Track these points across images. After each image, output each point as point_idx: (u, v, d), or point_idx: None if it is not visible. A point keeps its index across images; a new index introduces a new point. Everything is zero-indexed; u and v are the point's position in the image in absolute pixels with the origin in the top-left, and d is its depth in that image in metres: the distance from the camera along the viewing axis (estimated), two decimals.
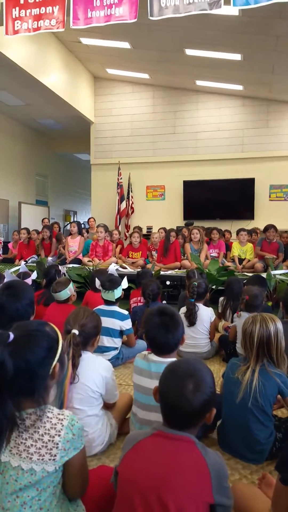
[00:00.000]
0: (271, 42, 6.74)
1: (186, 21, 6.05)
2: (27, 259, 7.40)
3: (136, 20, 4.61)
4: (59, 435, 1.27)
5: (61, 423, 1.30)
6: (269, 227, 6.68)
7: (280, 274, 5.70)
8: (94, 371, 2.05)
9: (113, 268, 4.55)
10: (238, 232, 7.09)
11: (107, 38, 7.88)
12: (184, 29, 6.81)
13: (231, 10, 5.82)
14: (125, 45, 7.99)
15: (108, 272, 4.26)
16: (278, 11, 5.73)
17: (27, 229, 8.01)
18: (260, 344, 2.09)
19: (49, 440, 1.26)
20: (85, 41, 8.34)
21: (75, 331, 2.03)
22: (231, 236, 8.61)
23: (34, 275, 4.48)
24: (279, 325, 2.15)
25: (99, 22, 4.77)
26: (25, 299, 2.23)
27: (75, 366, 1.97)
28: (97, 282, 3.79)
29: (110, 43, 8.06)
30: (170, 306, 2.13)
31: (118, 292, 3.52)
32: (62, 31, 4.82)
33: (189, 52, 7.73)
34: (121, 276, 3.87)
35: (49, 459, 1.26)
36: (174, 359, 1.92)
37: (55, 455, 1.26)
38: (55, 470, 1.27)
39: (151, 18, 4.55)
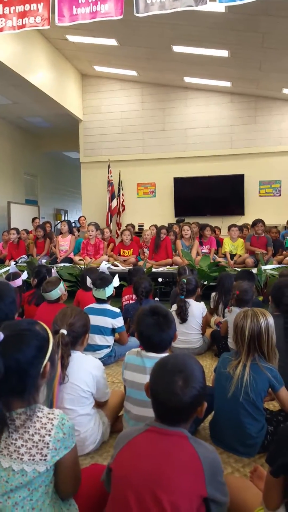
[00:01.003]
0: (257, 38, 6.75)
1: (173, 17, 6.06)
2: (17, 259, 7.36)
3: (122, 17, 4.58)
4: (49, 435, 1.27)
5: (51, 423, 1.29)
6: (257, 222, 6.74)
7: (271, 269, 5.74)
8: (84, 370, 2.05)
9: (104, 266, 4.54)
10: (229, 228, 7.13)
11: (93, 35, 7.83)
12: (171, 26, 6.80)
13: (218, 7, 5.82)
14: (112, 42, 7.96)
15: (99, 271, 4.25)
16: (264, 8, 5.74)
17: (16, 229, 7.95)
18: (251, 339, 2.10)
19: (39, 440, 1.26)
20: (72, 38, 8.29)
21: (64, 331, 2.02)
22: (220, 232, 8.64)
23: (24, 275, 4.45)
24: (270, 320, 2.16)
25: (85, 19, 4.75)
26: (8, 297, 2.23)
27: (64, 366, 1.96)
28: (88, 281, 3.78)
29: (97, 40, 8.01)
30: (162, 305, 2.15)
31: (109, 290, 3.52)
32: (47, 29, 4.79)
33: (177, 48, 7.72)
34: (113, 274, 3.86)
35: (40, 459, 1.25)
36: (167, 354, 1.93)
37: (46, 455, 1.26)
38: (46, 470, 1.27)
39: (137, 14, 4.53)
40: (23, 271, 4.68)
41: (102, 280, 3.51)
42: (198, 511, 1.21)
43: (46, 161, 13.88)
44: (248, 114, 9.67)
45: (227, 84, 9.18)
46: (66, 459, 1.31)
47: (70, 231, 7.62)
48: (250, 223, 7.65)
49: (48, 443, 1.26)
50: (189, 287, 3.76)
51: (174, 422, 1.29)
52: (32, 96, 9.10)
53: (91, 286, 3.60)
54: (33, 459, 1.24)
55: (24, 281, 4.50)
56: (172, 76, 9.46)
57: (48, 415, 1.31)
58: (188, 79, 9.41)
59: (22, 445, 1.25)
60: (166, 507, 1.15)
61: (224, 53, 7.50)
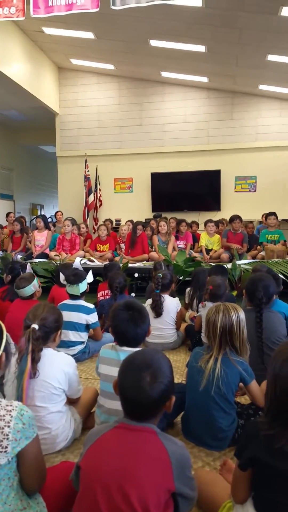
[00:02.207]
0: (234, 34, 6.79)
1: (150, 11, 6.03)
2: None
3: (98, 9, 4.54)
4: (8, 426, 1.26)
5: (9, 414, 1.28)
6: (235, 218, 6.80)
7: (245, 264, 5.83)
8: (56, 367, 2.02)
9: (78, 262, 4.50)
10: (206, 223, 7.20)
11: (70, 28, 7.72)
12: (149, 20, 6.76)
13: (195, 2, 5.84)
14: (89, 35, 7.86)
15: (73, 266, 4.21)
16: (241, 3, 5.77)
17: None
18: (223, 333, 2.12)
19: None
20: (48, 30, 8.14)
21: (35, 326, 1.99)
22: (198, 227, 8.70)
23: None
24: (241, 314, 2.18)
25: (60, 11, 4.68)
26: None
27: (35, 361, 1.94)
28: (62, 277, 3.74)
29: (74, 33, 7.90)
30: (136, 300, 2.15)
31: (83, 286, 3.48)
32: (23, 20, 4.70)
33: (154, 43, 7.69)
34: (87, 269, 3.83)
35: (0, 451, 1.24)
36: (140, 348, 1.94)
37: (6, 447, 1.25)
38: (8, 462, 1.26)
39: (113, 7, 4.49)
40: None
41: (76, 276, 3.48)
42: (166, 506, 1.21)
43: (22, 154, 13.64)
44: (224, 110, 9.75)
45: (204, 79, 9.21)
46: (28, 450, 1.31)
47: (46, 226, 7.52)
48: (226, 218, 7.73)
49: (7, 435, 1.25)
50: (165, 281, 3.77)
51: (142, 418, 1.29)
52: (6, 88, 8.90)
53: (65, 282, 3.56)
54: None
55: None
56: (149, 70, 9.43)
57: (6, 407, 1.30)
58: (165, 74, 9.40)
59: None
60: (134, 502, 1.15)
61: (201, 48, 7.52)
